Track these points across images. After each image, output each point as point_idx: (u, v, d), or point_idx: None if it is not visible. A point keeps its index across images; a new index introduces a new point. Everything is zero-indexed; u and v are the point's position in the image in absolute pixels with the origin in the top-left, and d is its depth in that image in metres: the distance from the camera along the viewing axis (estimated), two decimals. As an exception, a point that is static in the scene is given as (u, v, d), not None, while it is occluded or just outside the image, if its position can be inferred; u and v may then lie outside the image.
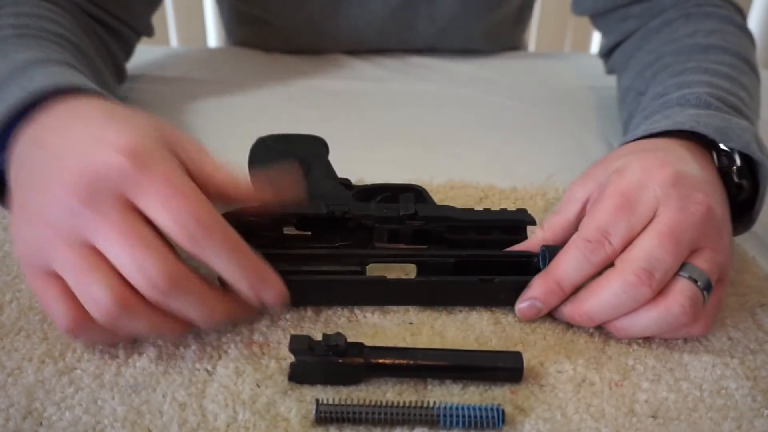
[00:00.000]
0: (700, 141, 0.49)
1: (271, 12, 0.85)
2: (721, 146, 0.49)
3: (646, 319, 0.41)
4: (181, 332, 0.40)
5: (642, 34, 0.69)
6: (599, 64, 0.80)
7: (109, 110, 0.42)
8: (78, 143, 0.39)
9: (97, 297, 0.37)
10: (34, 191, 0.39)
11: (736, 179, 0.48)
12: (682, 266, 0.42)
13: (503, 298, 0.45)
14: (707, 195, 0.43)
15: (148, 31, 0.73)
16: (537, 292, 0.44)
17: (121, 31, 0.68)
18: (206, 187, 0.41)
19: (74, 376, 0.39)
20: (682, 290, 0.41)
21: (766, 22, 1.66)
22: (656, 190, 0.43)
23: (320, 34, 0.86)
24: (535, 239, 0.47)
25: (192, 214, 0.37)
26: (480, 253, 0.47)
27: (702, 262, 0.42)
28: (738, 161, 0.48)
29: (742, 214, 0.49)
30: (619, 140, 0.69)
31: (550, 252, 0.44)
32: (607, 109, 0.76)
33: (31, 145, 0.42)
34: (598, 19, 0.76)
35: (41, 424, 0.37)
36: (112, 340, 0.41)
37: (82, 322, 0.38)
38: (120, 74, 0.70)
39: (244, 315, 0.42)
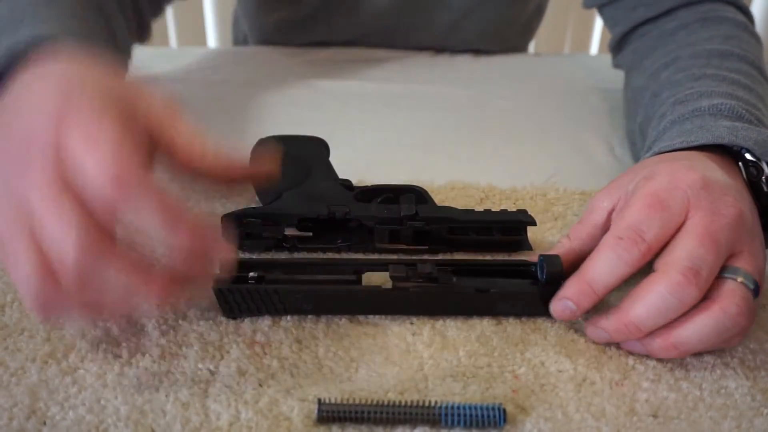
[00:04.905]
0: (727, 152, 0.49)
1: None
2: (748, 157, 0.48)
3: (703, 327, 0.39)
4: (123, 312, 0.37)
5: (658, 35, 0.69)
6: (600, 65, 0.80)
7: (67, 76, 0.40)
8: (23, 108, 0.38)
9: (22, 278, 0.34)
10: None
11: (766, 189, 0.48)
12: (724, 269, 0.41)
13: (500, 307, 0.45)
14: (737, 199, 0.43)
15: None
16: (569, 292, 0.43)
17: None
18: (172, 151, 0.39)
19: (77, 375, 0.40)
20: (733, 290, 0.40)
21: (766, 22, 1.66)
22: (687, 191, 0.43)
23: (339, 17, 0.86)
24: (560, 248, 0.47)
25: (112, 168, 0.33)
26: (477, 261, 0.47)
27: (743, 264, 0.41)
28: (767, 170, 0.48)
29: None
30: (620, 141, 0.69)
31: (547, 261, 0.44)
32: (608, 109, 0.76)
33: (3, 98, 0.40)
34: (606, 9, 0.76)
35: (45, 423, 0.37)
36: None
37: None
38: (143, 32, 0.69)
39: (183, 289, 0.36)
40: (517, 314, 0.45)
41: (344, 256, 0.50)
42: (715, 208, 0.42)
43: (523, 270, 0.46)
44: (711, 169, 0.46)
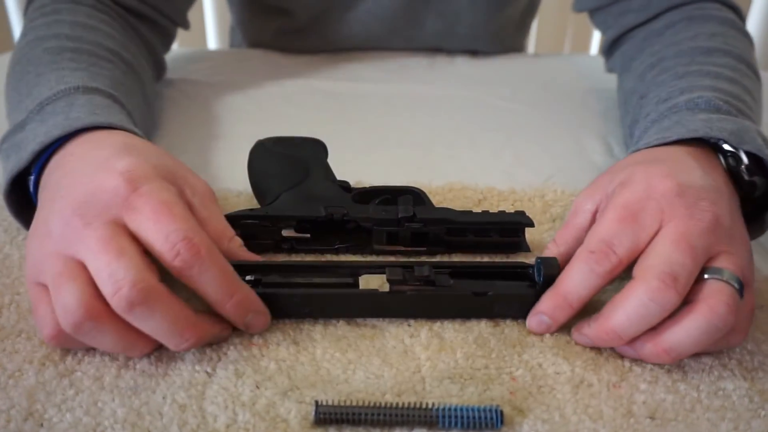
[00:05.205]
0: (706, 144, 0.49)
1: (285, 2, 0.86)
2: (726, 147, 0.48)
3: (693, 329, 0.39)
4: (148, 351, 0.40)
5: (644, 36, 0.69)
6: (599, 66, 0.80)
7: (126, 142, 0.45)
8: (88, 166, 0.43)
9: (66, 303, 0.37)
10: (45, 207, 0.42)
11: (746, 177, 0.48)
12: (706, 270, 0.41)
13: (497, 310, 0.45)
14: (713, 203, 0.43)
15: (185, 24, 0.76)
16: (544, 306, 0.43)
17: (164, 26, 0.72)
18: (203, 230, 0.43)
19: (75, 378, 0.40)
20: (718, 290, 0.40)
21: (766, 22, 1.66)
22: (661, 202, 0.43)
23: (329, 28, 0.86)
24: (548, 253, 0.47)
25: (181, 233, 0.39)
26: (474, 264, 0.47)
27: (725, 264, 0.41)
28: (745, 160, 0.48)
29: (759, 214, 0.49)
30: (618, 142, 0.69)
31: (545, 263, 0.44)
32: (606, 110, 0.76)
33: (55, 169, 0.45)
34: (597, 14, 0.76)
35: (42, 425, 0.37)
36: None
37: (63, 333, 0.39)
38: (160, 70, 0.74)
39: (215, 338, 0.42)
40: (515, 316, 0.45)
41: (342, 258, 0.50)
42: (690, 213, 0.42)
43: (521, 272, 0.46)
44: (690, 169, 0.46)
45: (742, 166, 0.48)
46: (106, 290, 0.37)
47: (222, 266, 0.40)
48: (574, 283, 0.42)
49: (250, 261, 0.45)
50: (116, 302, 0.37)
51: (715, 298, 0.40)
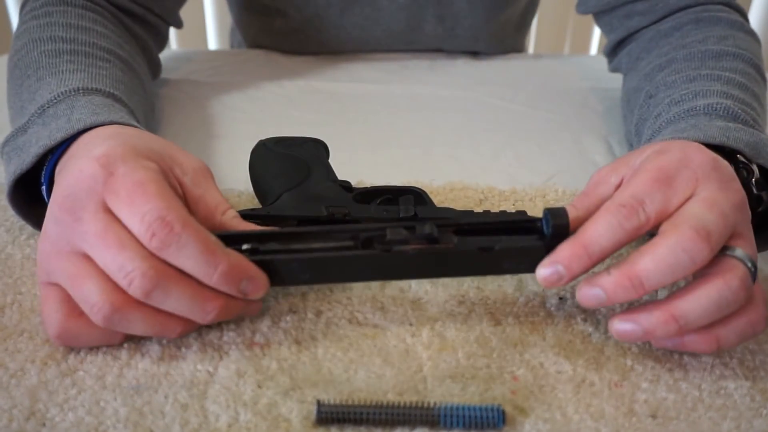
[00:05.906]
0: (720, 152, 0.48)
1: (279, 2, 0.86)
2: (739, 158, 0.48)
3: (705, 299, 0.38)
4: (183, 330, 0.40)
5: (651, 36, 0.69)
6: (599, 66, 0.80)
7: (114, 131, 0.46)
8: (75, 162, 0.43)
9: (91, 302, 0.38)
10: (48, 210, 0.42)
11: (755, 191, 0.47)
12: (726, 248, 0.40)
13: (506, 266, 0.43)
14: (741, 188, 0.43)
15: (177, 24, 0.76)
16: (561, 256, 0.40)
17: (156, 25, 0.72)
18: (196, 208, 0.44)
19: (77, 377, 0.40)
20: (734, 266, 0.39)
21: (766, 22, 1.67)
22: (696, 171, 0.42)
23: (327, 32, 0.86)
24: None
25: (154, 212, 0.38)
26: (480, 221, 0.45)
27: (743, 246, 0.40)
28: (757, 173, 0.48)
29: (762, 229, 0.48)
30: (619, 141, 0.70)
31: (553, 213, 0.42)
32: (607, 110, 0.76)
33: (60, 171, 0.45)
34: (601, 16, 0.76)
35: (44, 425, 0.37)
36: (101, 343, 0.42)
37: (72, 329, 0.39)
38: (155, 68, 0.74)
39: (244, 311, 0.42)
40: (525, 271, 0.43)
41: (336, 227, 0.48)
42: (723, 187, 0.42)
43: (528, 226, 0.44)
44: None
45: (753, 179, 0.48)
46: (121, 283, 0.38)
47: (201, 239, 0.38)
48: (599, 233, 0.40)
49: (247, 231, 0.44)
50: (132, 293, 0.38)
51: (731, 273, 0.39)
